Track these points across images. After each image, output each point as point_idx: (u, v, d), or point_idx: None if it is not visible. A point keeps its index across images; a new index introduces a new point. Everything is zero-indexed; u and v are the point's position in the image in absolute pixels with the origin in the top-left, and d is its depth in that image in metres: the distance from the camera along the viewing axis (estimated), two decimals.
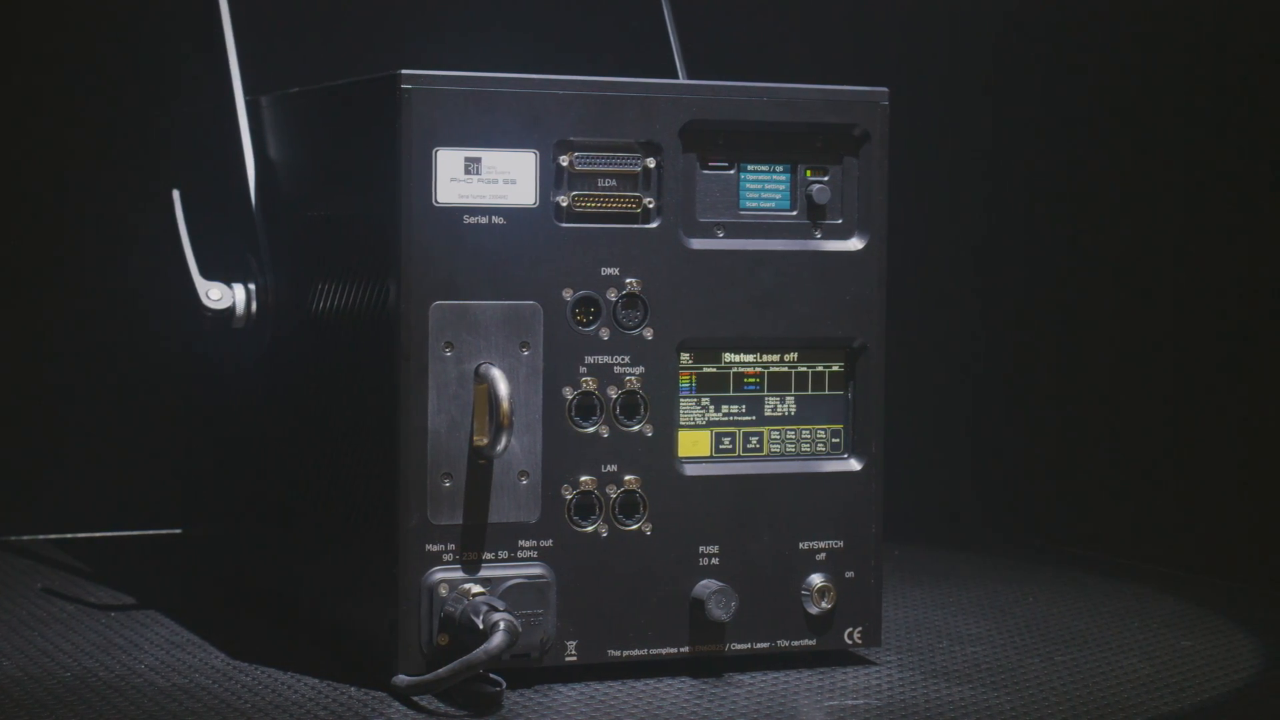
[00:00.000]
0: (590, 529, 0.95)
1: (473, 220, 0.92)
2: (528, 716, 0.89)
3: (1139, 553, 1.32)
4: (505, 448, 0.91)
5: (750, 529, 0.97)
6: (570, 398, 0.94)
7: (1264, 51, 1.29)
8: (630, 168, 0.95)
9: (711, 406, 0.98)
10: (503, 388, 0.91)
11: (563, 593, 0.94)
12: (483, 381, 0.92)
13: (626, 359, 0.95)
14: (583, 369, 0.94)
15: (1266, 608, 1.17)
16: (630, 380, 0.95)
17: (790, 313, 0.98)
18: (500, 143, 0.93)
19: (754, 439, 0.99)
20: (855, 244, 0.99)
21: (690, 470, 0.97)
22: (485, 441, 0.92)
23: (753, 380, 0.99)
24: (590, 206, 0.94)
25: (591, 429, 0.95)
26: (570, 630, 0.94)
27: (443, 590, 0.92)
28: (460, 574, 0.92)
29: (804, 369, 0.99)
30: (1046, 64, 1.45)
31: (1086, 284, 1.42)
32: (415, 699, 0.91)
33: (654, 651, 0.96)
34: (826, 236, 0.99)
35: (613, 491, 0.95)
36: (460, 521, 0.92)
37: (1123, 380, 1.38)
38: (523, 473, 0.93)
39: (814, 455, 0.99)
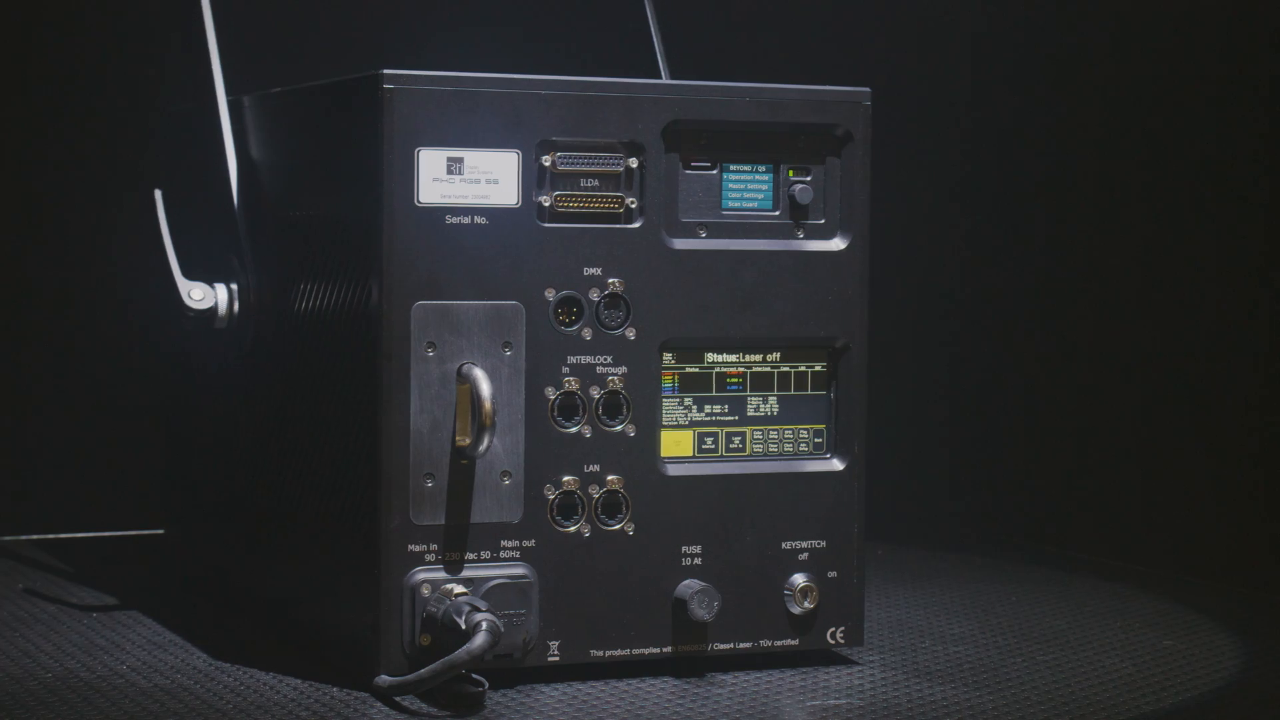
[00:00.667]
0: (573, 529, 0.95)
1: (455, 220, 0.92)
2: (510, 717, 0.89)
3: (1121, 552, 1.33)
4: (488, 448, 0.91)
5: (733, 529, 0.97)
6: (553, 398, 0.94)
7: (1247, 52, 1.29)
8: (612, 168, 0.95)
9: (694, 406, 0.98)
10: (485, 388, 0.91)
11: (545, 593, 0.94)
12: (465, 381, 0.92)
13: (609, 359, 0.95)
14: (565, 369, 0.94)
15: (1248, 607, 1.18)
16: (613, 380, 0.95)
17: (772, 313, 0.98)
18: (482, 142, 0.92)
19: (736, 439, 0.99)
20: (838, 244, 0.99)
21: (673, 470, 0.97)
22: (467, 441, 0.92)
23: (735, 380, 0.99)
24: (572, 206, 0.94)
25: (574, 429, 0.95)
26: (553, 630, 0.94)
27: (425, 590, 0.92)
28: (442, 574, 0.92)
29: (786, 369, 0.99)
30: (1028, 63, 1.45)
31: (1068, 283, 1.42)
32: (398, 699, 0.91)
33: (636, 651, 0.96)
34: (809, 236, 0.99)
35: (595, 491, 0.95)
36: (442, 522, 0.92)
37: (1105, 381, 1.39)
38: (505, 473, 0.93)
39: (796, 455, 0.99)
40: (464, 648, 0.88)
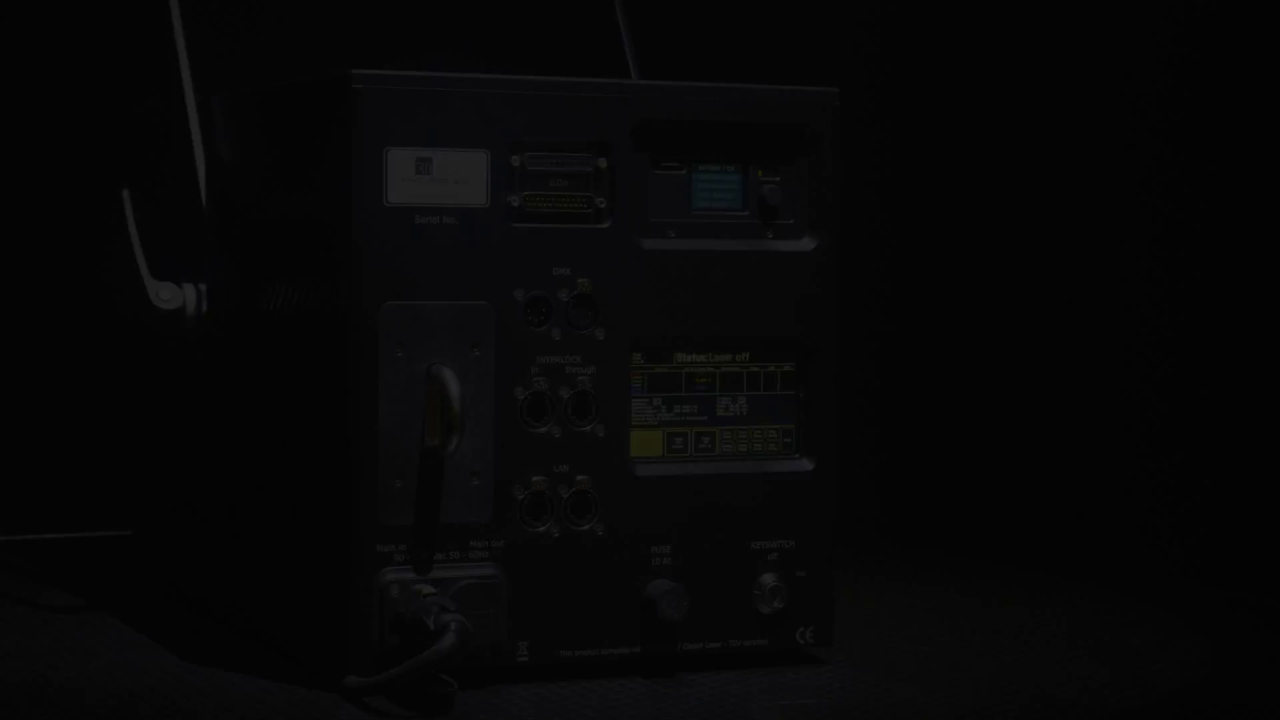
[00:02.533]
0: (542, 529, 0.95)
1: (424, 220, 0.92)
2: (479, 717, 0.89)
3: (1090, 552, 1.33)
4: (456, 448, 0.91)
5: (702, 529, 0.97)
6: (522, 398, 0.94)
7: (1220, 52, 1.29)
8: (582, 168, 0.95)
9: (663, 406, 0.98)
10: (454, 388, 0.91)
11: (514, 593, 0.94)
12: (434, 382, 0.92)
13: (578, 359, 0.95)
14: (534, 369, 0.94)
15: (1216, 608, 1.18)
16: (582, 380, 0.95)
17: (742, 313, 0.98)
18: (451, 142, 0.92)
19: (706, 439, 0.99)
20: (807, 244, 0.99)
21: (642, 470, 0.97)
22: (436, 442, 0.92)
23: (704, 380, 0.99)
24: (542, 206, 0.94)
25: (543, 429, 0.95)
26: (522, 631, 0.94)
27: (394, 591, 0.91)
28: (411, 574, 0.92)
29: (756, 369, 0.99)
30: (997, 63, 1.45)
31: (1036, 285, 1.42)
32: (366, 700, 0.90)
33: (606, 652, 0.96)
34: (778, 237, 0.99)
35: (564, 492, 0.95)
36: (411, 522, 0.92)
37: (1075, 381, 1.39)
38: (474, 473, 0.93)
39: (766, 455, 0.99)
40: (433, 648, 0.88)
